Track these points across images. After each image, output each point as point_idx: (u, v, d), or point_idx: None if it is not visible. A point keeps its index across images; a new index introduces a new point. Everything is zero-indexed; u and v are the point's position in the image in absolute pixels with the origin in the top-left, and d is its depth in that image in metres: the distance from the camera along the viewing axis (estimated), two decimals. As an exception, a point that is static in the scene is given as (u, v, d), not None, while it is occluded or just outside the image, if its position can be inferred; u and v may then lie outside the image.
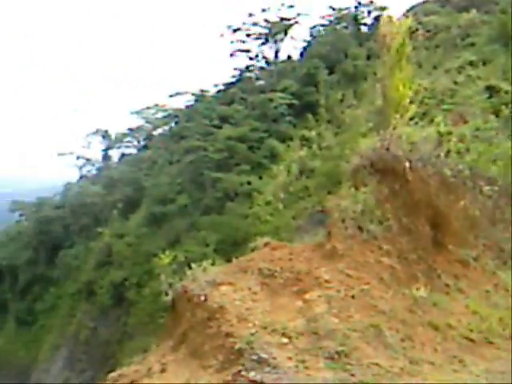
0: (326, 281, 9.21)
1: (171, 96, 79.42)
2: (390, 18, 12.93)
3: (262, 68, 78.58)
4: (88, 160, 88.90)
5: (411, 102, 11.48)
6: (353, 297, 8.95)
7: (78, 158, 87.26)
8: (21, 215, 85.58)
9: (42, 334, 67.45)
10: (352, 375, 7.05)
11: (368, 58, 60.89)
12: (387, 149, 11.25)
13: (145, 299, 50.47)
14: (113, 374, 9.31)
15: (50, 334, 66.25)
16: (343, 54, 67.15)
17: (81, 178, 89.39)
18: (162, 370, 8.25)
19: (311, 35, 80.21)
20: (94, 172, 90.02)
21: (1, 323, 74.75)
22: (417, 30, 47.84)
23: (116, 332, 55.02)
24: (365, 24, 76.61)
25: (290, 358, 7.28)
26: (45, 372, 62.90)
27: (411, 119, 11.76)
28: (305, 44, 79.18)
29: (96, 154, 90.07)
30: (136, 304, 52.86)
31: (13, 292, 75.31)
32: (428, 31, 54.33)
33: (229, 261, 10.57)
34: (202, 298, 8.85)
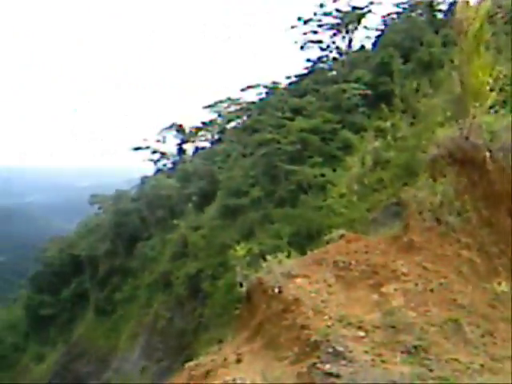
0: (403, 274, 9.07)
1: (243, 90, 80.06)
2: (466, 2, 12.47)
3: (334, 59, 77.93)
4: (163, 154, 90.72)
5: (491, 90, 11.04)
6: (431, 290, 8.77)
7: (153, 152, 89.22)
8: (99, 208, 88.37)
9: (121, 323, 69.50)
10: (430, 370, 6.91)
11: (444, 45, 59.32)
12: (466, 138, 10.92)
13: (220, 290, 51.11)
14: (190, 364, 9.48)
15: (128, 324, 68.19)
16: (418, 41, 65.71)
17: (156, 171, 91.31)
18: (238, 361, 8.32)
19: (384, 24, 79.02)
20: (169, 166, 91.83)
21: (81, 312, 77.62)
22: (496, 14, 46.25)
23: (191, 322, 56.04)
24: (440, 10, 74.80)
25: (366, 352, 7.20)
26: (123, 360, 64.85)
27: (491, 107, 11.32)
28: (378, 33, 78.10)
29: (171, 148, 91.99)
30: (211, 295, 53.59)
31: (92, 282, 77.97)
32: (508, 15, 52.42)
33: (303, 253, 10.55)
34: (277, 290, 8.88)
